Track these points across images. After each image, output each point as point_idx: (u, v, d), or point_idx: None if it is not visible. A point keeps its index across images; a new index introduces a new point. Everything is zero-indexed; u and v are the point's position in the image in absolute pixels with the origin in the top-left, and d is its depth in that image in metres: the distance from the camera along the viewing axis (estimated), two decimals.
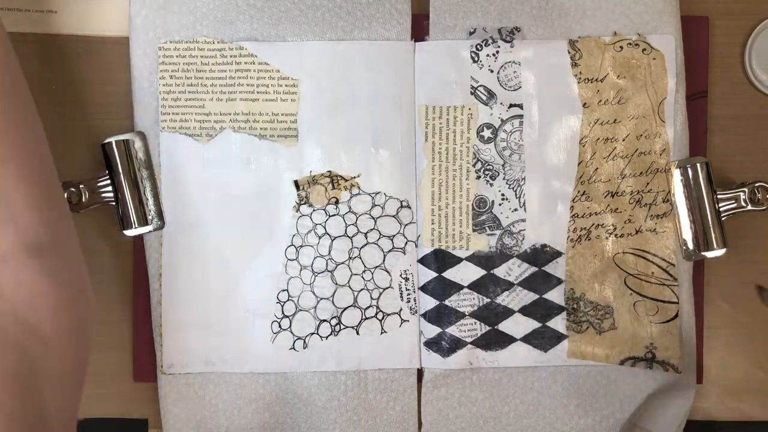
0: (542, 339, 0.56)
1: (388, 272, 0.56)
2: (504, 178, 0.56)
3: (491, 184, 0.55)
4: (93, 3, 0.56)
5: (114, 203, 0.54)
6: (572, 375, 0.56)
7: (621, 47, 0.55)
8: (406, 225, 0.56)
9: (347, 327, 0.56)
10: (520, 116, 0.56)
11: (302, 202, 0.55)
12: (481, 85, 0.55)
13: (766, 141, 0.58)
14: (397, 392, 0.56)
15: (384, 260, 0.56)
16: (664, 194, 0.56)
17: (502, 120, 0.56)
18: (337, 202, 0.55)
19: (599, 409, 0.56)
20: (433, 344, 0.56)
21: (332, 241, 0.55)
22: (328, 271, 0.55)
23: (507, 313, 0.56)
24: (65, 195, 0.54)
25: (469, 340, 0.56)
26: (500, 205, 0.56)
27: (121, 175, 0.54)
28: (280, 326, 0.55)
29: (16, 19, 0.56)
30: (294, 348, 0.55)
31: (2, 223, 0.39)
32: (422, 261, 0.56)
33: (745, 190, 0.55)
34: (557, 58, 0.55)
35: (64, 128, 0.57)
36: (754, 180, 0.56)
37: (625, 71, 0.55)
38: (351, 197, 0.55)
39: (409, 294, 0.56)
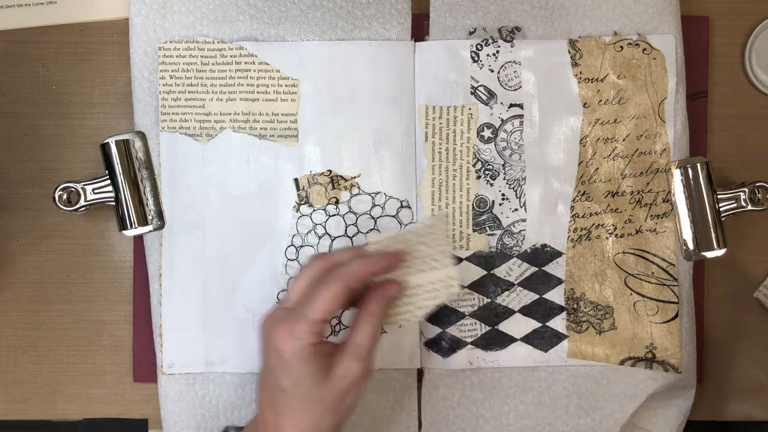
0: (542, 339, 0.56)
1: None
2: (504, 178, 0.56)
3: (491, 184, 0.55)
4: None
5: (114, 203, 0.54)
6: (572, 375, 0.56)
7: (621, 47, 0.55)
8: (406, 225, 0.56)
9: (347, 327, 0.56)
10: (521, 116, 0.56)
11: (302, 202, 0.55)
12: (481, 85, 0.55)
13: (766, 141, 0.58)
14: (397, 392, 0.56)
15: None
16: (664, 194, 0.56)
17: (502, 120, 0.56)
18: (337, 202, 0.55)
19: (599, 409, 0.56)
20: (433, 344, 0.56)
21: (332, 241, 0.55)
22: None
23: (507, 313, 0.56)
24: (65, 195, 0.54)
25: (469, 340, 0.56)
26: (500, 205, 0.56)
27: (121, 175, 0.54)
28: None
29: (16, 15, 0.56)
30: None
31: None
32: None
33: (745, 190, 0.55)
34: (557, 58, 0.55)
35: (64, 128, 0.57)
36: (754, 180, 0.56)
37: (625, 71, 0.55)
38: (351, 197, 0.55)
39: None
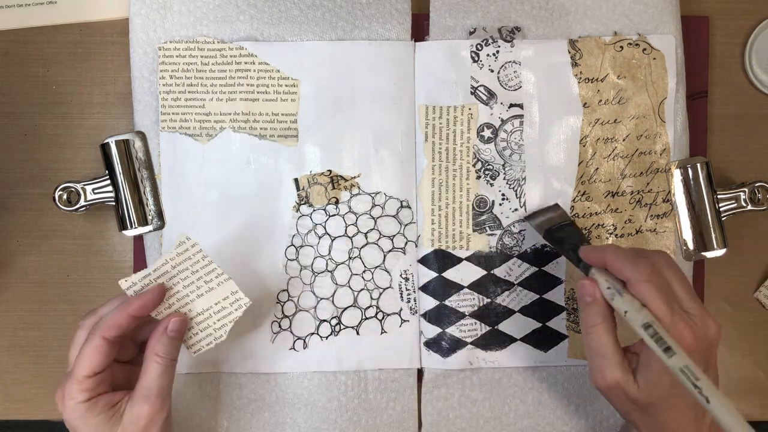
0: (542, 339, 0.56)
1: (388, 272, 0.56)
2: (504, 178, 0.56)
3: (491, 184, 0.55)
4: None
5: (114, 203, 0.54)
6: (572, 375, 0.56)
7: (621, 47, 0.55)
8: (406, 225, 0.56)
9: (347, 327, 0.56)
10: (521, 116, 0.56)
11: (302, 202, 0.55)
12: (481, 85, 0.55)
13: (766, 141, 0.58)
14: (397, 392, 0.56)
15: (384, 260, 0.56)
16: (664, 194, 0.56)
17: (502, 120, 0.56)
18: (337, 202, 0.55)
19: (599, 409, 0.56)
20: (433, 344, 0.56)
21: (332, 241, 0.55)
22: (328, 271, 0.55)
23: (507, 313, 0.56)
24: (65, 195, 0.54)
25: (469, 340, 0.56)
26: (500, 205, 0.56)
27: (121, 175, 0.54)
28: (280, 326, 0.55)
29: (16, 15, 0.56)
30: (294, 348, 0.55)
31: None
32: (422, 261, 0.56)
33: (745, 190, 0.55)
34: (558, 58, 0.55)
35: (64, 128, 0.57)
36: (754, 180, 0.56)
37: (625, 71, 0.55)
38: (351, 197, 0.55)
39: (409, 294, 0.56)
